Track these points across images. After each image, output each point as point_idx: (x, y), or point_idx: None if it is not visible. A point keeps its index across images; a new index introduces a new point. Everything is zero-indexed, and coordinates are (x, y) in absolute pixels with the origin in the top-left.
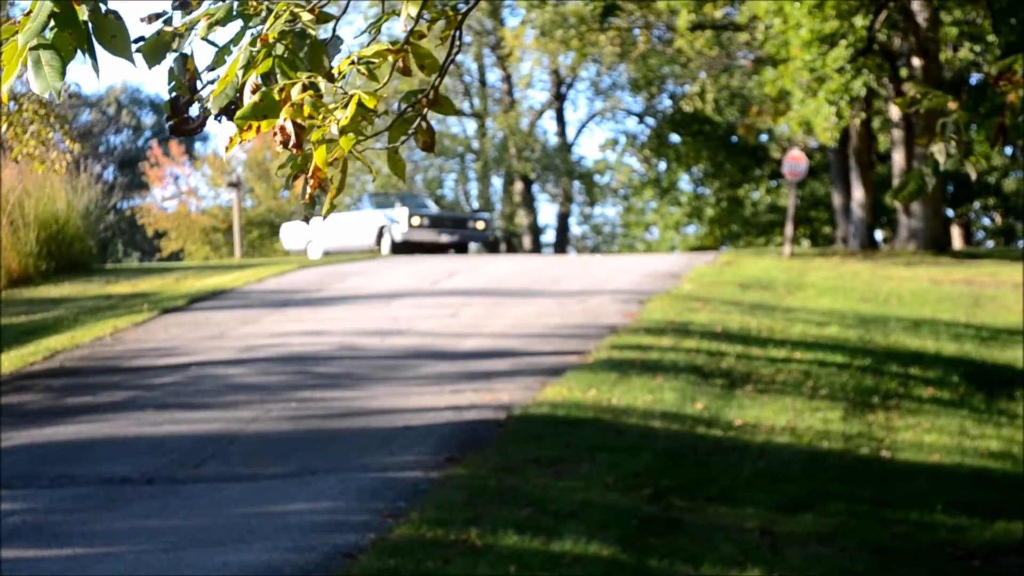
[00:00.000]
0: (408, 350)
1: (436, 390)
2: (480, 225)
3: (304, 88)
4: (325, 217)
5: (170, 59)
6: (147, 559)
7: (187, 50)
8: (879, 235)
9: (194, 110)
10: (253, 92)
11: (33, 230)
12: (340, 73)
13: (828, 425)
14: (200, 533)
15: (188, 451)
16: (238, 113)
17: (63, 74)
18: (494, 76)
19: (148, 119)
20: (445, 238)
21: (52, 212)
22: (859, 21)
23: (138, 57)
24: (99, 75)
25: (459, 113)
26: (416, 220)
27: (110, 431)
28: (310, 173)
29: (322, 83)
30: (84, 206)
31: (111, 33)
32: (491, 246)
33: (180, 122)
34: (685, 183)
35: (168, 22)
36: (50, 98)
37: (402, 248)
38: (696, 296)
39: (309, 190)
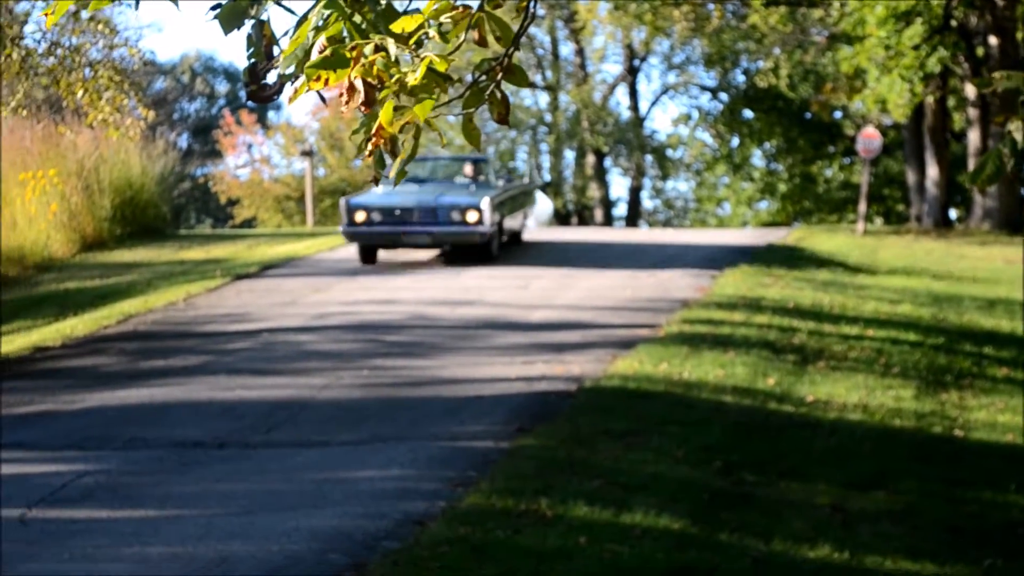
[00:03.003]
0: (479, 320)
1: (507, 361)
2: (472, 216)
3: (376, 49)
4: (396, 183)
5: (248, 26)
6: (218, 522)
7: (264, 16)
8: (953, 213)
9: (271, 77)
10: (321, 53)
11: (108, 195)
12: (408, 32)
13: (900, 403)
14: (271, 498)
15: (260, 416)
16: (308, 63)
17: None
18: (567, 49)
19: (222, 87)
20: (411, 239)
21: (127, 178)
22: None
23: (215, 23)
24: (137, 7)
25: (531, 85)
26: (361, 215)
27: (183, 395)
28: (374, 131)
29: (392, 46)
30: (158, 172)
31: None
32: (562, 218)
33: (257, 88)
34: (758, 159)
35: None
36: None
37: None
38: (768, 272)
39: (370, 147)
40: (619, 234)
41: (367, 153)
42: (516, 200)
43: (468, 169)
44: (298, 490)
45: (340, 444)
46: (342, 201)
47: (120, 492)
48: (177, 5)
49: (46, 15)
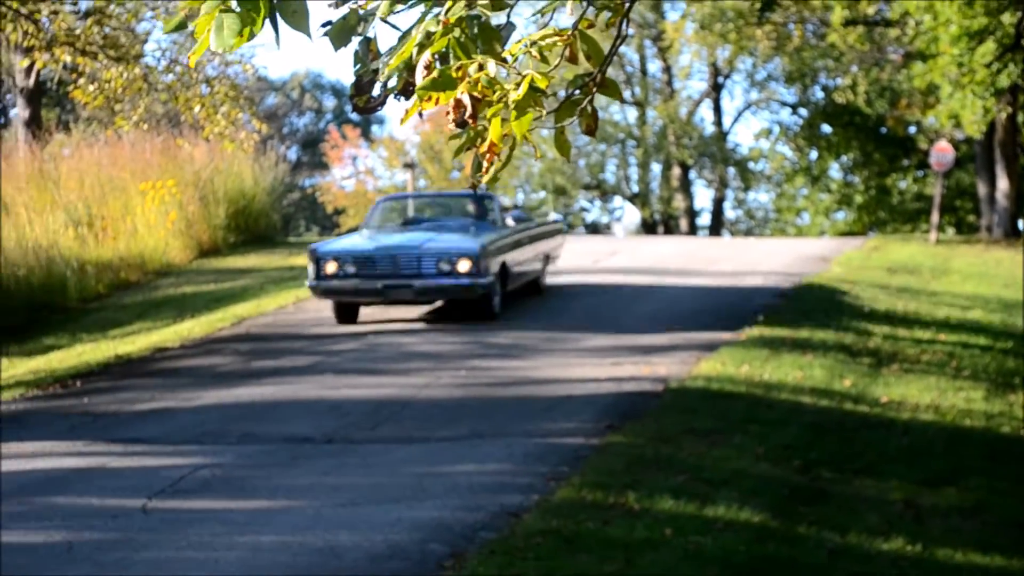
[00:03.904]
0: (570, 324)
1: (597, 362)
2: (464, 265)
3: (479, 68)
4: (489, 186)
5: (355, 42)
6: (326, 513)
7: (371, 33)
8: (1022, 224)
9: (376, 90)
10: (426, 69)
11: (223, 205)
12: (512, 56)
13: (971, 404)
14: (375, 490)
15: (365, 414)
16: (419, 84)
17: (238, 35)
18: (654, 67)
19: (329, 103)
20: (392, 293)
21: (240, 188)
22: (1007, 18)
23: (325, 40)
24: (279, 45)
25: (623, 100)
26: (332, 266)
27: (292, 393)
28: (486, 147)
29: (492, 64)
30: (269, 183)
31: (292, 9)
32: (649, 227)
33: (363, 101)
34: (835, 171)
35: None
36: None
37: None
38: (845, 279)
39: (485, 162)
40: (703, 243)
41: (484, 169)
42: (529, 242)
43: (471, 207)
44: (400, 483)
45: (440, 440)
46: (309, 250)
47: (234, 484)
48: (311, 37)
49: (163, 22)
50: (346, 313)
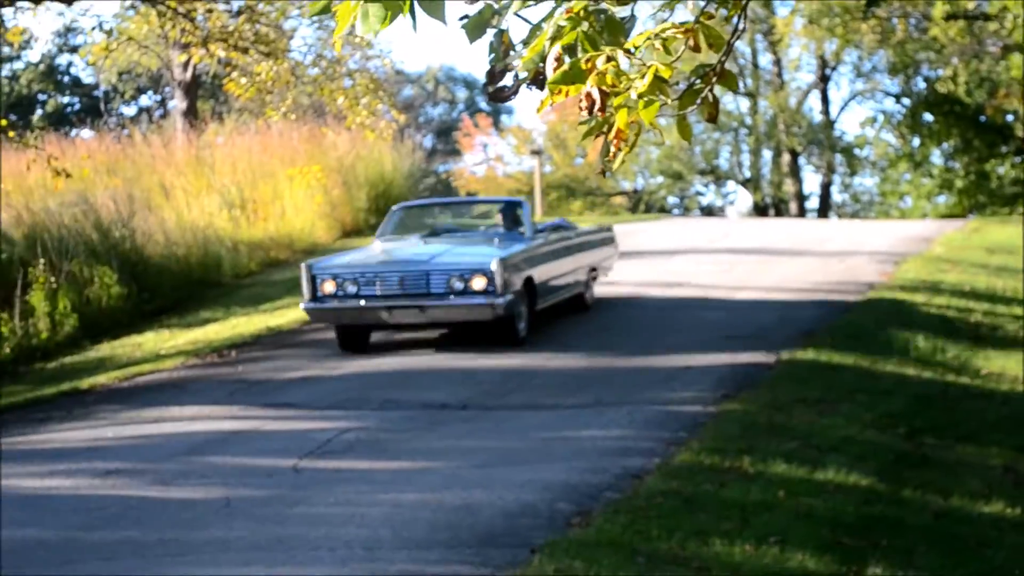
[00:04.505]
0: (689, 299)
1: (713, 335)
2: (479, 283)
3: (607, 60)
4: (614, 171)
5: (489, 34)
6: (462, 474)
7: (504, 26)
8: None
9: (508, 80)
10: (556, 61)
11: (364, 189)
12: (636, 48)
13: None
14: (507, 453)
15: (497, 383)
16: (550, 78)
17: (382, 22)
18: (765, 60)
19: (461, 94)
20: (398, 316)
21: (380, 174)
22: None
23: (458, 34)
24: (416, 29)
25: (737, 92)
26: (330, 285)
27: (429, 363)
28: (612, 134)
29: (621, 56)
30: (407, 169)
31: None
32: (760, 210)
33: (497, 90)
34: (936, 157)
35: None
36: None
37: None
38: (946, 258)
39: (613, 148)
40: (811, 224)
41: (611, 154)
42: (566, 253)
43: (498, 215)
44: (530, 447)
45: (567, 407)
46: (303, 267)
47: (377, 446)
48: (445, 23)
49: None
50: (351, 340)
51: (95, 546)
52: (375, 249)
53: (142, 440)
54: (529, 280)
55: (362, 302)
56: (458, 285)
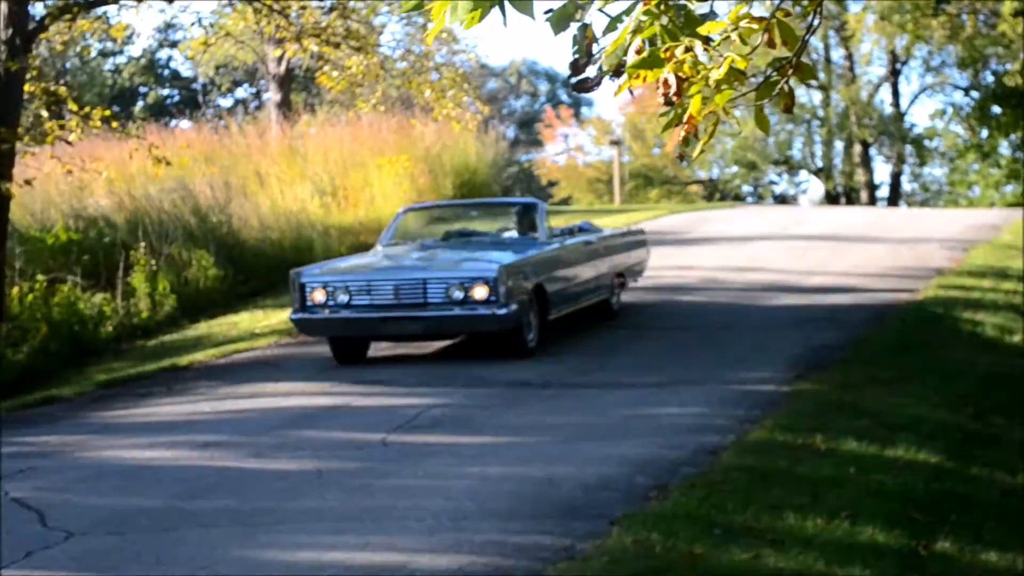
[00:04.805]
0: (762, 284)
1: (787, 318)
2: (480, 292)
3: (685, 50)
4: (695, 159)
5: (573, 28)
6: (544, 448)
7: (587, 20)
8: None
9: (591, 71)
10: (637, 53)
11: (449, 177)
12: (714, 38)
13: None
14: (587, 429)
15: (579, 362)
16: (629, 63)
17: (472, 15)
18: (837, 54)
19: (543, 87)
20: (394, 328)
21: (465, 163)
22: None
23: (541, 29)
24: (506, 22)
25: (815, 81)
26: (320, 295)
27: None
28: (686, 120)
29: (698, 46)
30: (491, 158)
31: None
32: (832, 199)
33: (580, 81)
34: (1004, 148)
35: None
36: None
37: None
38: (1014, 245)
39: (683, 133)
40: (882, 213)
41: (679, 138)
42: (587, 259)
43: (510, 218)
44: (610, 424)
45: (645, 386)
46: (291, 275)
47: (462, 422)
48: (533, 18)
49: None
50: (347, 352)
51: (194, 514)
52: (373, 255)
53: (238, 414)
54: (540, 288)
55: (354, 313)
56: (457, 295)
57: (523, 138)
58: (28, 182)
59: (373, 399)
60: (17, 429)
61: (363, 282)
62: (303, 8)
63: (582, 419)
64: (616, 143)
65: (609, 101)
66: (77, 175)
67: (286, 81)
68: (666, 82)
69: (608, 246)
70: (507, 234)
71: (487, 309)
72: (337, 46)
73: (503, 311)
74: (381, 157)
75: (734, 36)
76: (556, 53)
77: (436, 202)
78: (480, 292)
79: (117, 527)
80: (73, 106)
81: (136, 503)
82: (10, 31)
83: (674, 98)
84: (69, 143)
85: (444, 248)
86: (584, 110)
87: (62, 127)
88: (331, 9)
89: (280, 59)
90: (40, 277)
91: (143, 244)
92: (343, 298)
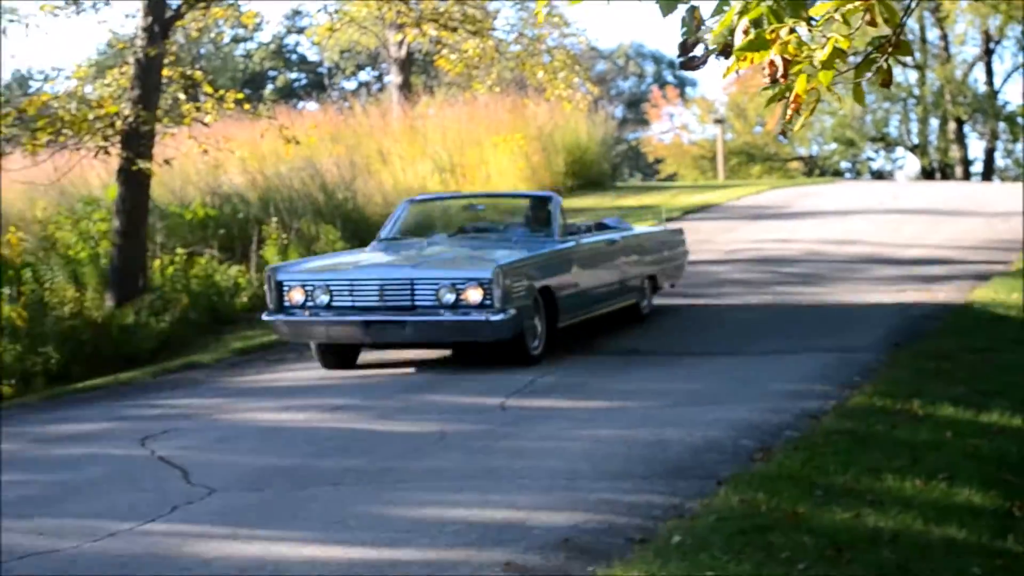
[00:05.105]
0: (860, 256)
1: (884, 289)
2: (474, 295)
3: (790, 32)
4: (795, 134)
5: (681, 9)
6: (654, 413)
7: (695, 2)
8: None
9: (698, 51)
10: (744, 33)
11: (561, 155)
12: (817, 20)
13: None
14: (694, 395)
15: (684, 330)
16: (737, 46)
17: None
18: (932, 34)
19: (649, 68)
20: (380, 333)
21: (575, 141)
22: None
23: (648, 11)
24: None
25: (905, 64)
26: (298, 294)
27: (621, 313)
28: (791, 99)
29: (803, 29)
30: (600, 137)
31: None
32: (927, 174)
33: (688, 60)
34: None
35: None
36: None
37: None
38: None
39: (789, 111)
40: (976, 188)
41: (787, 116)
42: (607, 259)
43: (523, 212)
44: (716, 389)
45: (748, 354)
46: (267, 272)
47: (575, 388)
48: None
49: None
50: (334, 356)
51: (325, 472)
52: (367, 251)
53: (365, 380)
54: (547, 291)
55: (335, 315)
56: (448, 297)
57: (630, 117)
58: (167, 161)
59: (491, 367)
60: (161, 393)
61: (345, 281)
62: None
63: (689, 385)
64: (719, 121)
65: (713, 81)
66: (213, 155)
67: (406, 64)
68: (772, 63)
69: (637, 245)
70: (515, 230)
71: (481, 314)
72: (454, 30)
73: (499, 317)
74: (496, 136)
75: (837, 16)
76: (662, 36)
77: (441, 193)
78: (474, 295)
79: (255, 484)
80: (208, 89)
81: (272, 462)
82: (149, 19)
83: (780, 79)
84: (205, 124)
85: (445, 245)
86: (689, 90)
87: (198, 109)
88: None
89: (400, 43)
90: (180, 250)
91: (274, 219)
92: (323, 299)
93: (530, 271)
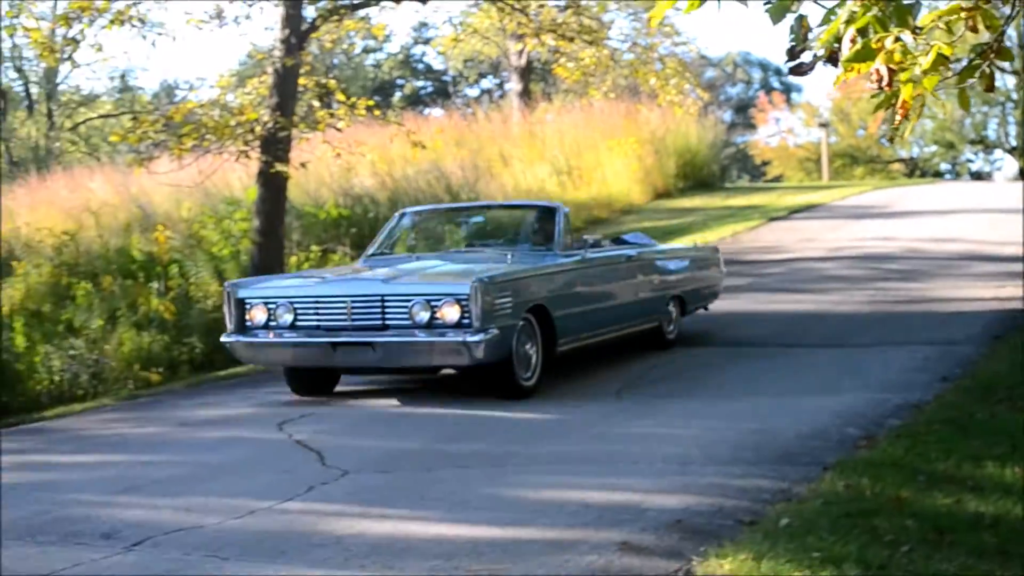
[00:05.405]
0: (960, 253)
1: (983, 284)
2: (450, 313)
3: (895, 40)
4: (903, 137)
5: (790, 18)
6: (761, 401)
7: (803, 11)
8: None
9: (806, 57)
10: (851, 42)
11: (672, 157)
12: (922, 28)
13: None
14: (800, 384)
15: (790, 324)
16: (844, 57)
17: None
18: None
19: (756, 75)
20: (347, 357)
21: (686, 145)
22: None
23: (755, 22)
24: (720, 5)
25: (1004, 70)
26: (260, 313)
27: (730, 307)
28: (899, 105)
29: (907, 37)
30: (710, 140)
31: None
32: None
33: (796, 66)
34: None
35: None
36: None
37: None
38: None
39: (898, 117)
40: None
41: (896, 122)
42: (619, 277)
43: (526, 224)
44: (820, 379)
45: (852, 346)
46: (226, 288)
47: (685, 378)
48: (746, 4)
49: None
50: (304, 381)
51: (451, 456)
52: (343, 267)
53: None
54: (542, 311)
55: (300, 336)
56: (422, 316)
57: (739, 122)
58: (303, 165)
59: (607, 359)
60: None
61: (310, 298)
62: (541, 6)
63: (796, 375)
64: (824, 125)
65: (818, 87)
66: (345, 158)
67: (526, 72)
68: (878, 72)
69: (659, 264)
70: (516, 244)
71: (458, 334)
72: (571, 40)
73: (477, 337)
74: (611, 140)
75: (941, 24)
76: (769, 44)
77: (435, 206)
78: (451, 313)
79: (385, 466)
80: (341, 97)
81: (401, 445)
82: (287, 32)
83: (885, 88)
84: (338, 130)
85: (434, 259)
86: (794, 95)
87: (332, 116)
88: (566, 7)
89: (520, 53)
90: (314, 247)
91: None
92: (287, 318)
93: (520, 287)
